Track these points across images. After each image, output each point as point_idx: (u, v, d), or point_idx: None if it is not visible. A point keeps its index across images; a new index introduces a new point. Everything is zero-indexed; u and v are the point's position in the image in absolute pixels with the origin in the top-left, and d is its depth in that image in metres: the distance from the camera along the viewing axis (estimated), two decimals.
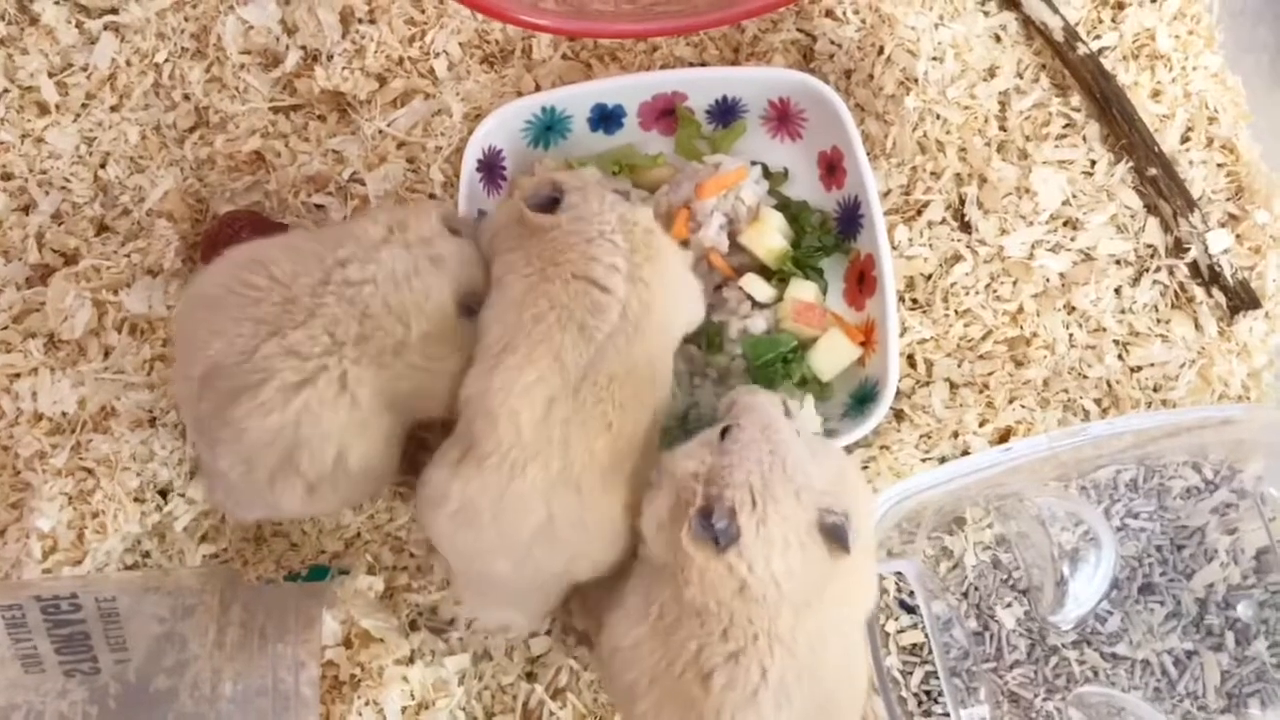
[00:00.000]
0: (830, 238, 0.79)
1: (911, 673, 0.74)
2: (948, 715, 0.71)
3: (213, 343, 0.63)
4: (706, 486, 0.61)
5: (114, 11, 0.82)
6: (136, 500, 0.72)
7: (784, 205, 0.80)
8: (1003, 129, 0.81)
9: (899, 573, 0.74)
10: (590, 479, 0.64)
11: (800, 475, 0.62)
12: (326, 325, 0.63)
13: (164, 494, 0.73)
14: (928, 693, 0.74)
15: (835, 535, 0.61)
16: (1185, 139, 0.81)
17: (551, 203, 0.68)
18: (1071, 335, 0.78)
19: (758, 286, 0.77)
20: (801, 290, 0.77)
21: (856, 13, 0.82)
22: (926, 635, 0.73)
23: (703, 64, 0.83)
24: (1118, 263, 0.79)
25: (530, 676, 0.73)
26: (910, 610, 0.75)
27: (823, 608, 0.61)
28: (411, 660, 0.71)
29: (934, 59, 0.81)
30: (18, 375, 0.74)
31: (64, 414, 0.73)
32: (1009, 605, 0.73)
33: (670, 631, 0.61)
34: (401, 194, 0.80)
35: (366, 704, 0.69)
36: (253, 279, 0.64)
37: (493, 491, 0.63)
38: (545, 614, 0.70)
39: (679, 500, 0.62)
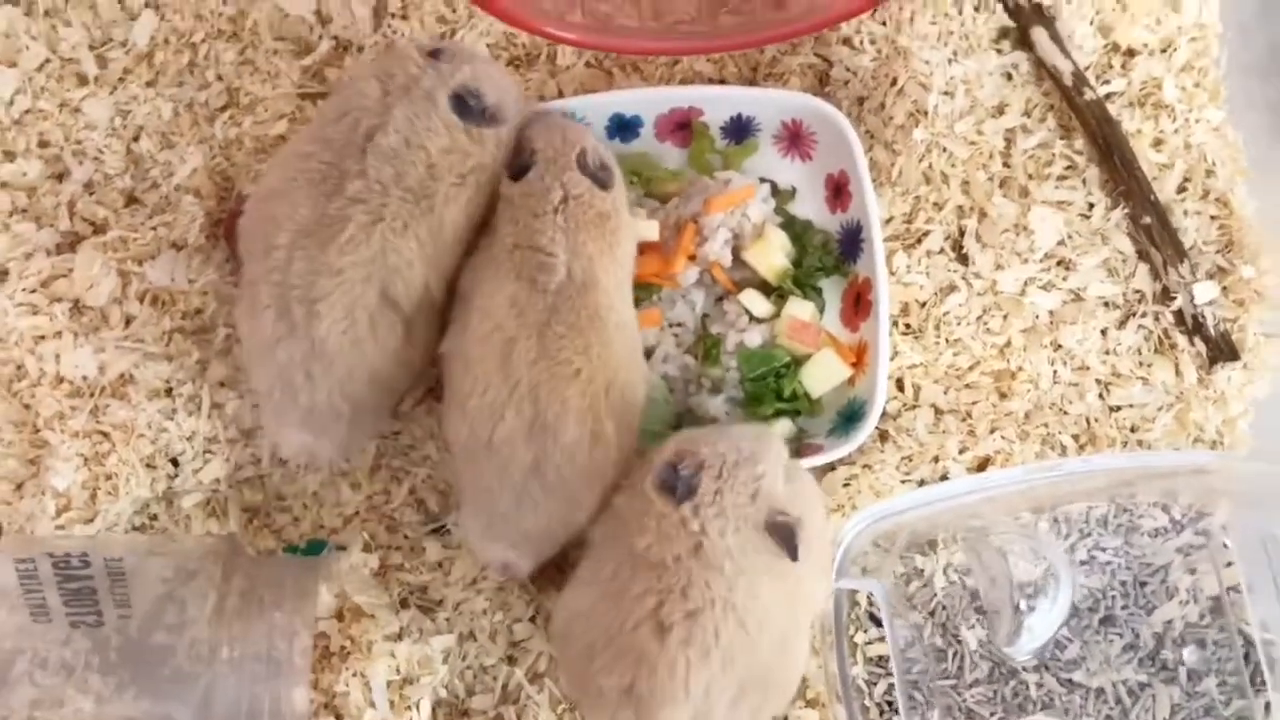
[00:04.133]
0: (831, 259, 0.82)
1: (876, 683, 0.78)
2: None
3: (298, 211, 0.70)
4: (680, 445, 0.67)
5: None
6: (149, 466, 0.76)
7: (789, 223, 0.83)
8: (1006, 166, 0.84)
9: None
10: (569, 428, 0.69)
11: (766, 482, 0.66)
12: (374, 177, 0.71)
13: (175, 463, 0.77)
14: (889, 703, 0.77)
15: (782, 535, 0.65)
16: (1182, 189, 0.84)
17: (525, 169, 0.74)
18: (1056, 372, 0.81)
19: (756, 302, 0.80)
20: (799, 309, 0.80)
21: (873, 43, 0.84)
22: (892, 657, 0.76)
23: (721, 81, 0.85)
24: (1106, 305, 0.82)
25: (511, 660, 0.77)
26: (879, 624, 0.78)
27: (770, 597, 0.65)
28: (400, 636, 0.74)
29: (945, 93, 0.83)
30: (43, 338, 0.77)
31: (84, 378, 0.76)
32: (973, 627, 0.76)
33: (625, 589, 0.65)
34: None
35: (354, 675, 0.72)
36: (310, 164, 0.71)
37: (481, 435, 0.69)
38: (542, 560, 0.74)
39: (651, 462, 0.68)
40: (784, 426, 0.79)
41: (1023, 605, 0.70)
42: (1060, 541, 0.75)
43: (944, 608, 0.77)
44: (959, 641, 0.76)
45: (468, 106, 0.73)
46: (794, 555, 0.65)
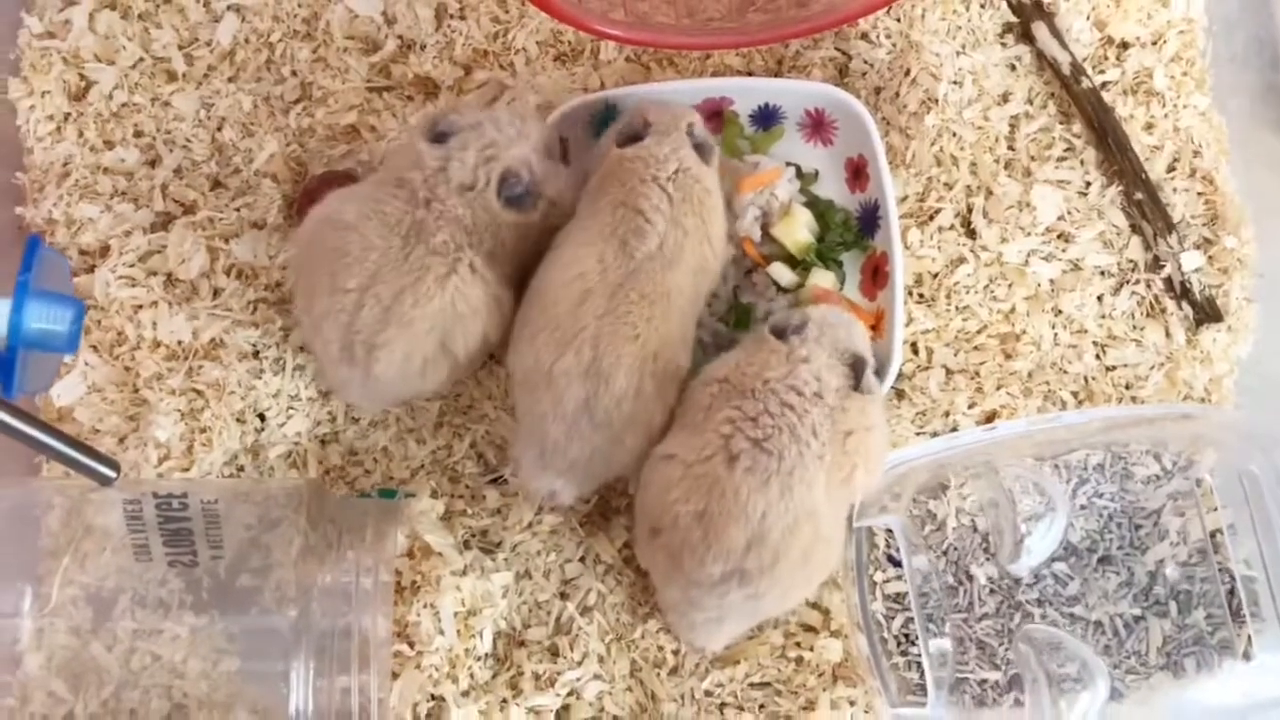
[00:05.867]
0: (851, 235, 0.89)
1: (894, 618, 0.85)
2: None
3: (370, 255, 0.77)
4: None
5: None
6: (239, 421, 0.84)
7: (813, 203, 0.90)
8: (1011, 149, 0.91)
9: (889, 529, 0.84)
10: (619, 379, 0.75)
11: (859, 334, 0.77)
12: (450, 234, 0.77)
13: (262, 417, 0.85)
14: (906, 635, 0.85)
15: (857, 367, 0.74)
16: (1171, 169, 0.92)
17: (636, 137, 0.80)
18: (1056, 335, 0.89)
19: (783, 273, 0.88)
20: (822, 279, 0.88)
21: (888, 37, 0.92)
22: (909, 586, 0.84)
23: (749, 74, 0.93)
24: (1102, 274, 0.90)
25: (563, 595, 0.84)
26: (897, 564, 0.86)
27: (830, 448, 0.73)
28: (464, 573, 0.81)
29: (954, 83, 0.91)
30: (141, 307, 0.86)
31: (179, 343, 0.85)
32: (982, 565, 0.84)
33: (706, 425, 0.73)
34: None
35: (425, 607, 0.79)
36: (383, 209, 0.78)
37: (544, 364, 0.76)
38: (589, 490, 0.82)
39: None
40: None
41: (1023, 529, 0.78)
42: (1061, 485, 0.82)
43: (955, 548, 0.84)
44: (970, 579, 0.84)
45: (515, 198, 0.79)
46: (858, 385, 0.74)
